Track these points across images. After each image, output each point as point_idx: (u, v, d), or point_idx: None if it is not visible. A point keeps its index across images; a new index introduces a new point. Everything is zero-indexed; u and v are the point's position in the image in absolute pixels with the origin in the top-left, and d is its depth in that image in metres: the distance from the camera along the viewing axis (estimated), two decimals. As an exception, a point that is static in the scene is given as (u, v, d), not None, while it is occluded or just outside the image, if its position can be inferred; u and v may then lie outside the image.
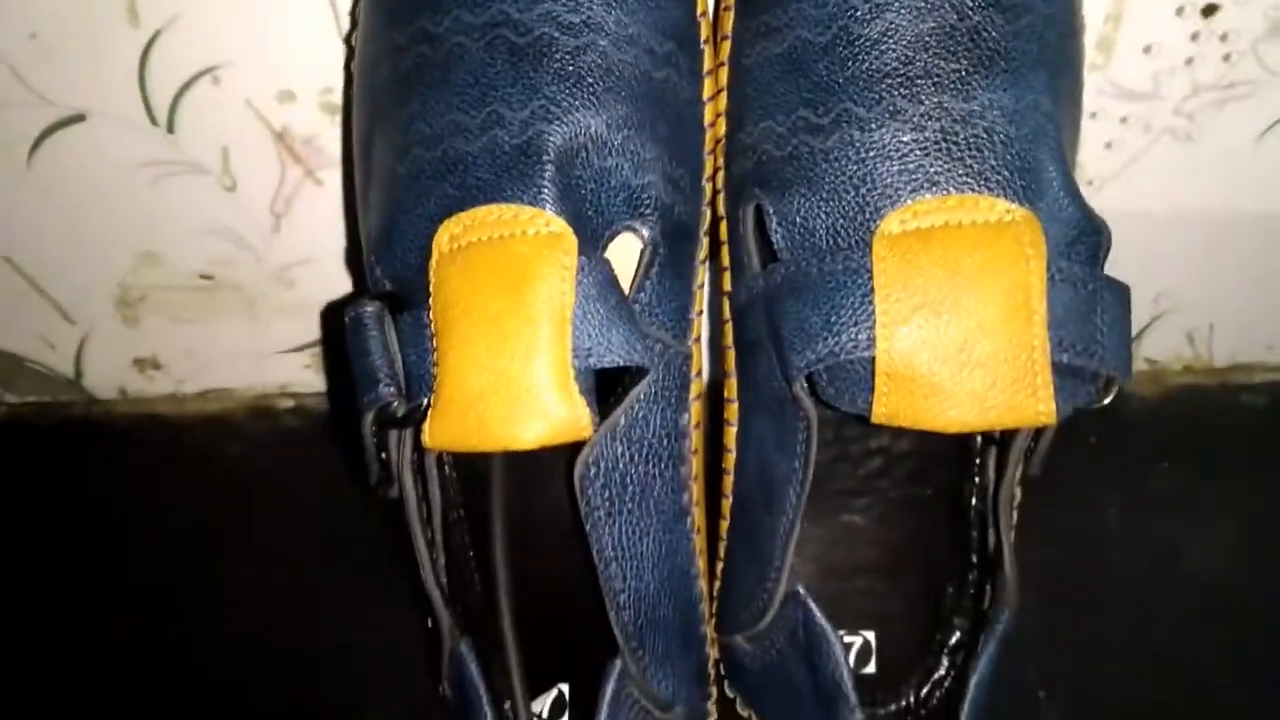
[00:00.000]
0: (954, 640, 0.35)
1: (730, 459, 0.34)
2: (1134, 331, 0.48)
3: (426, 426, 0.27)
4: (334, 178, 0.42)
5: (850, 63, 0.29)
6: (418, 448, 0.29)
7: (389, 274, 0.29)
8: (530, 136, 0.27)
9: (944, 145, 0.28)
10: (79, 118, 0.40)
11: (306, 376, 0.49)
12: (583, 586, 0.34)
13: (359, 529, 0.44)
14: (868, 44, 0.28)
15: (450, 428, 0.26)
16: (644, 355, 0.28)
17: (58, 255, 0.44)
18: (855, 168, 0.28)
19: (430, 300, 0.27)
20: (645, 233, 0.30)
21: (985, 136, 0.28)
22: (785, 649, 0.33)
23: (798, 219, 0.29)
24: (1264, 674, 0.41)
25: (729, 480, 0.34)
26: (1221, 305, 0.48)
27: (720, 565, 0.35)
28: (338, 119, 0.40)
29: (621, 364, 0.27)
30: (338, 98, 0.39)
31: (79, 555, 0.46)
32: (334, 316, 0.39)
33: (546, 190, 0.27)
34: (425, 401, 0.27)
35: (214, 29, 0.37)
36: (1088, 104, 0.40)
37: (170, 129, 0.40)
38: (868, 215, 0.28)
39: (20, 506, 0.48)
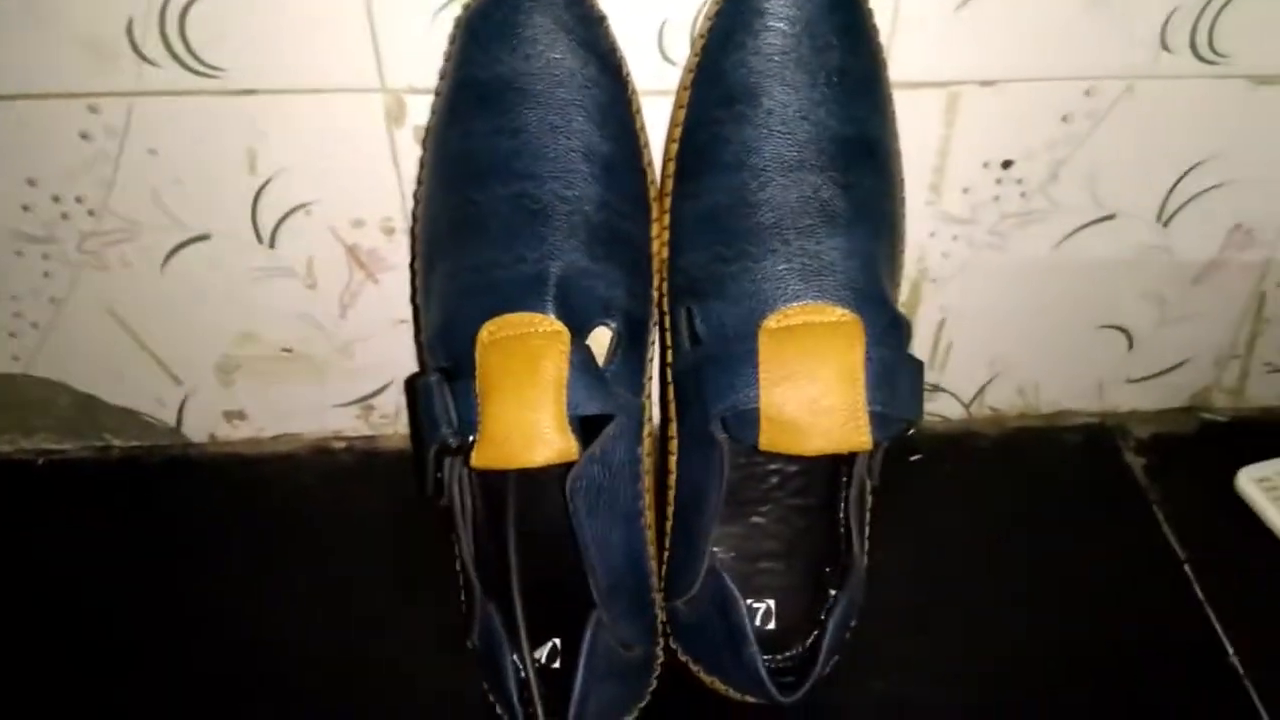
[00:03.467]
0: (830, 606, 0.50)
1: (672, 478, 0.49)
2: (978, 387, 0.64)
3: (474, 453, 0.42)
4: (388, 279, 0.57)
5: (745, 219, 0.44)
6: (464, 471, 0.44)
7: (445, 354, 0.44)
8: (541, 269, 0.43)
9: (804, 273, 0.43)
10: (204, 236, 0.55)
11: (357, 424, 0.64)
12: (567, 568, 0.49)
13: (395, 540, 0.59)
14: (756, 207, 0.44)
15: (490, 454, 0.41)
16: (612, 407, 0.43)
17: (177, 336, 0.59)
18: (750, 286, 0.44)
19: (476, 373, 0.42)
20: (614, 326, 0.45)
21: (829, 267, 0.43)
22: (708, 608, 0.48)
23: (713, 317, 0.44)
24: (1064, 632, 0.54)
25: (671, 493, 0.49)
26: (1042, 367, 0.64)
27: (666, 552, 0.50)
28: (394, 237, 0.55)
29: (597, 413, 0.42)
30: (393, 223, 0.55)
31: (177, 566, 0.58)
32: (411, 384, 0.51)
33: (550, 304, 0.42)
34: (471, 439, 0.42)
35: (309, 178, 0.53)
36: (928, 227, 0.56)
37: (271, 245, 0.55)
38: (756, 316, 0.43)
39: (128, 530, 0.60)
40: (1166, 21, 0.49)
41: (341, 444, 0.64)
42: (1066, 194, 0.55)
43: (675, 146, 0.47)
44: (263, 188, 0.53)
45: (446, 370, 0.44)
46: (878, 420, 0.42)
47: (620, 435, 0.45)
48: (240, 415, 0.63)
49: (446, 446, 0.43)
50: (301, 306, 0.58)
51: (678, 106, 0.47)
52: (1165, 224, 0.57)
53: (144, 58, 0.48)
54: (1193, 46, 0.50)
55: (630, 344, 0.46)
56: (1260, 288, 0.60)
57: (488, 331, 0.42)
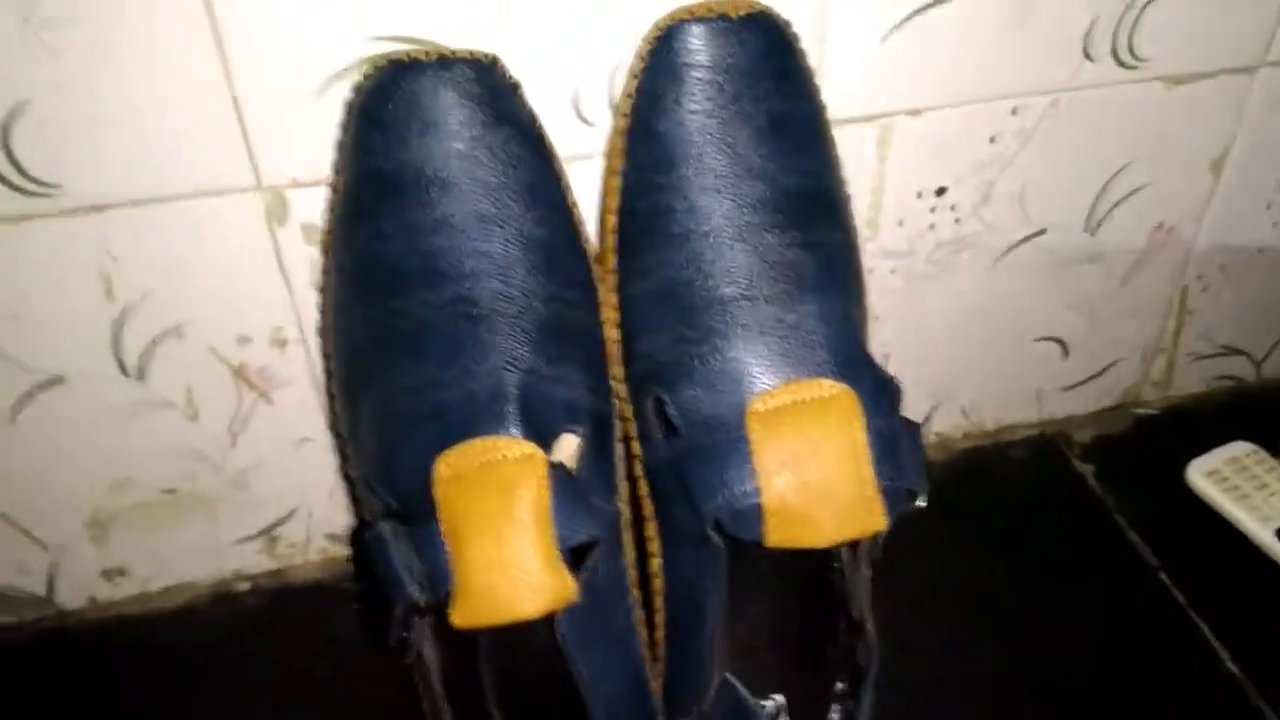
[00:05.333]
0: (839, 689, 0.46)
1: (657, 583, 0.44)
2: (922, 418, 0.62)
3: (452, 610, 0.35)
4: (283, 395, 0.49)
5: (705, 293, 0.40)
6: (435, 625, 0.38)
7: (391, 493, 0.38)
8: (495, 383, 0.37)
9: (782, 346, 0.39)
10: (59, 379, 0.46)
11: (260, 559, 0.56)
12: (554, 702, 0.43)
13: (317, 693, 0.50)
14: (715, 278, 0.40)
15: (472, 609, 0.35)
16: (600, 529, 0.38)
17: (37, 495, 0.50)
18: (723, 366, 0.39)
19: (438, 515, 0.36)
20: (580, 430, 0.40)
21: (807, 337, 0.39)
22: (719, 721, 0.43)
23: (688, 405, 0.40)
24: (1049, 662, 0.52)
25: (659, 599, 0.44)
26: (983, 387, 0.62)
27: (660, 663, 0.45)
28: (287, 350, 0.48)
29: (587, 540, 0.37)
30: (284, 334, 0.47)
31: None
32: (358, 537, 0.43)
33: (514, 422, 0.37)
34: (445, 592, 0.36)
35: (178, 297, 0.45)
36: (867, 264, 0.53)
37: (141, 378, 0.47)
38: (736, 400, 0.39)
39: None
40: (1089, 31, 0.48)
41: (245, 584, 0.56)
42: (998, 214, 0.54)
43: (613, 219, 0.42)
44: (123, 314, 0.45)
45: (399, 514, 0.37)
46: (888, 496, 0.38)
47: (602, 554, 0.40)
48: (121, 571, 0.54)
49: (415, 606, 0.36)
50: (183, 441, 0.50)
51: (610, 174, 0.42)
52: (1093, 232, 0.56)
53: (-40, 182, 0.40)
54: (1114, 53, 0.49)
55: (598, 445, 0.41)
56: (1182, 281, 0.60)
57: (445, 464, 0.36)
